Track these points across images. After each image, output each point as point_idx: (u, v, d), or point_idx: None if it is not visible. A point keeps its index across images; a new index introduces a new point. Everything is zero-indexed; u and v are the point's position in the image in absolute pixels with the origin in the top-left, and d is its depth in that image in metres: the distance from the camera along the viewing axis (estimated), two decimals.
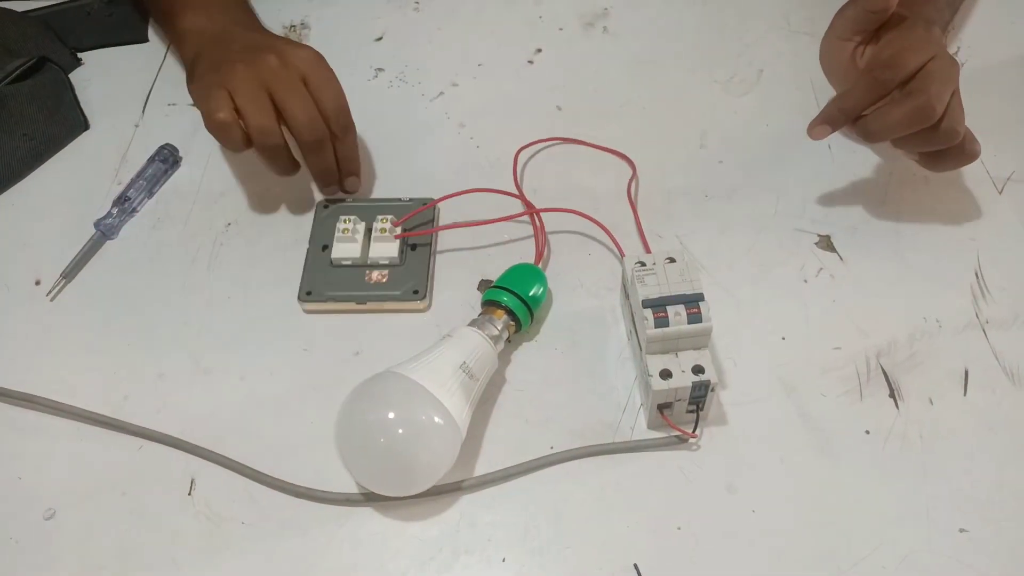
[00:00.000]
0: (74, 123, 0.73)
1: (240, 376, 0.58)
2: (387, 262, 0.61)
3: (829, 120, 0.60)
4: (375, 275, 0.61)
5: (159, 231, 0.66)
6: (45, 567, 0.51)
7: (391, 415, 0.49)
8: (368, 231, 0.62)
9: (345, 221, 0.62)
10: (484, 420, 0.55)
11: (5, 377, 0.58)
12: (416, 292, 0.60)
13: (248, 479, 0.53)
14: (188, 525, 0.52)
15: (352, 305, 0.60)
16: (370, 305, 0.60)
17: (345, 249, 0.61)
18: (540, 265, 0.61)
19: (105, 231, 0.65)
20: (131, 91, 0.76)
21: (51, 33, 0.78)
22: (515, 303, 0.56)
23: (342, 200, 0.65)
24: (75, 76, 0.77)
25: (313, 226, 0.64)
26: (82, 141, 0.73)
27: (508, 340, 0.57)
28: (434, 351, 0.52)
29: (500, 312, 0.56)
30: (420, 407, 0.49)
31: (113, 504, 0.53)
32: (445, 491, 0.52)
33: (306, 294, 0.60)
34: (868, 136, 0.59)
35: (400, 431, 0.48)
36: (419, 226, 0.63)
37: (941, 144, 0.58)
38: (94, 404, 0.56)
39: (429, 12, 0.81)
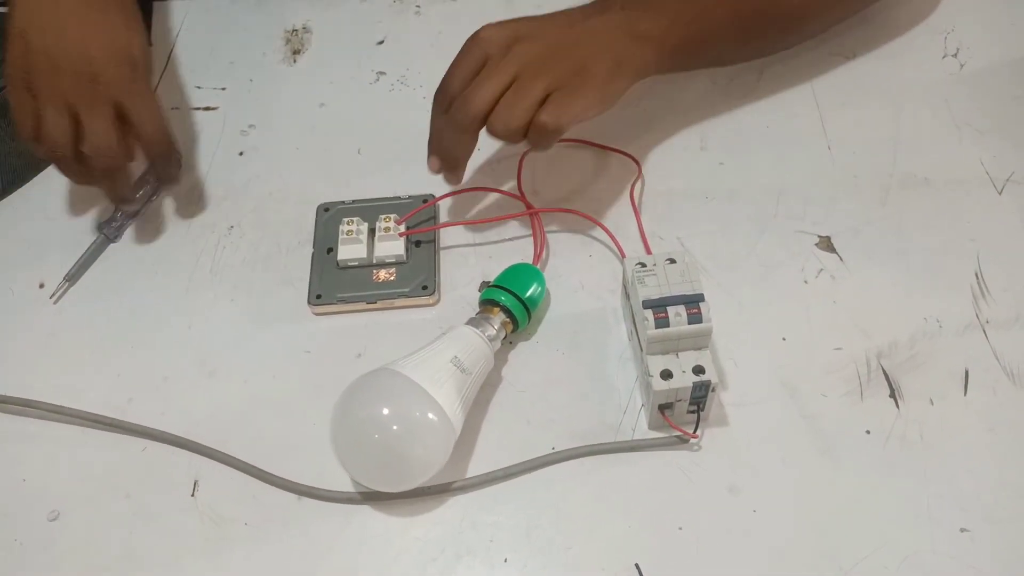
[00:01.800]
0: None
1: (243, 379, 0.58)
2: (393, 260, 0.62)
3: (434, 162, 0.59)
4: (382, 274, 0.61)
5: (162, 234, 0.66)
6: (49, 568, 0.51)
7: (384, 411, 0.49)
8: (371, 231, 0.63)
9: (348, 223, 0.62)
10: (485, 421, 0.55)
11: (9, 380, 0.59)
12: (425, 287, 0.60)
13: (251, 476, 0.53)
14: (192, 526, 0.52)
15: (363, 305, 0.60)
16: (381, 303, 0.60)
17: (351, 251, 0.61)
18: (539, 265, 0.61)
19: (109, 235, 0.65)
20: None
21: None
22: (512, 302, 0.56)
23: (342, 202, 0.66)
24: None
25: (315, 230, 0.64)
26: None
27: (507, 340, 0.57)
28: (428, 348, 0.52)
29: (496, 310, 0.56)
30: (412, 402, 0.49)
31: (117, 506, 0.53)
32: (447, 491, 0.52)
33: (316, 297, 0.60)
34: (438, 157, 0.59)
35: (393, 427, 0.49)
36: (422, 223, 0.63)
37: (500, 139, 0.56)
38: (98, 407, 0.57)
39: (430, 16, 0.81)
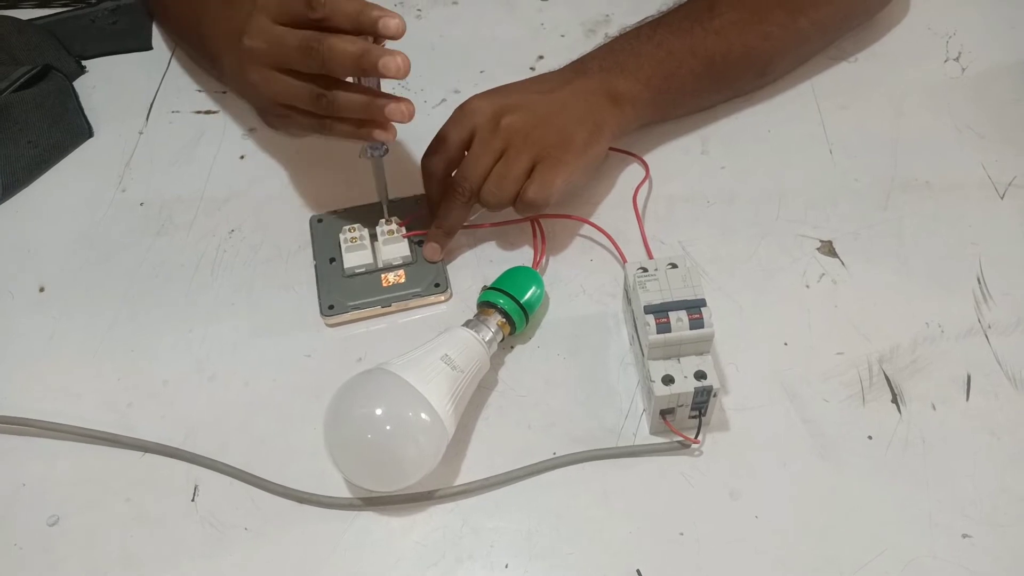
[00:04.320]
0: (78, 130, 0.73)
1: (244, 382, 0.58)
2: (400, 262, 0.62)
3: (434, 250, 0.61)
4: (391, 277, 0.61)
5: (163, 237, 0.66)
6: (49, 573, 0.51)
7: (373, 410, 0.49)
8: (372, 236, 0.62)
9: (350, 230, 0.62)
10: (486, 425, 0.55)
11: (9, 383, 0.59)
12: (438, 285, 0.60)
13: (250, 486, 0.53)
14: (191, 531, 0.52)
15: (377, 309, 0.60)
16: (394, 307, 0.60)
17: (357, 257, 0.61)
18: (540, 270, 0.61)
19: (378, 153, 0.60)
20: (135, 98, 0.76)
21: (55, 41, 0.79)
22: (509, 304, 0.56)
23: (333, 212, 0.65)
24: (79, 84, 0.77)
25: (313, 242, 0.64)
26: (86, 148, 0.73)
27: (505, 343, 0.57)
28: (420, 348, 0.53)
29: (492, 312, 0.56)
30: (401, 400, 0.49)
31: (116, 510, 0.53)
32: (448, 496, 0.52)
33: (328, 308, 0.60)
34: (441, 230, 0.61)
35: (384, 427, 0.49)
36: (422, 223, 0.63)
37: (491, 210, 0.60)
38: (98, 411, 0.57)
39: (431, 19, 0.81)
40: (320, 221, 0.65)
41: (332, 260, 0.62)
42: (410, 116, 0.54)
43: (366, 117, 0.54)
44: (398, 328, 0.60)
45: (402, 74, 0.50)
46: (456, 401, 0.51)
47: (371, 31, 0.50)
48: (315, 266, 0.63)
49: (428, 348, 0.53)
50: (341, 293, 0.61)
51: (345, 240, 0.62)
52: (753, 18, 0.66)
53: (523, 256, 0.63)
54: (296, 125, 0.57)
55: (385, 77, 0.51)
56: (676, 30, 0.65)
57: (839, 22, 0.71)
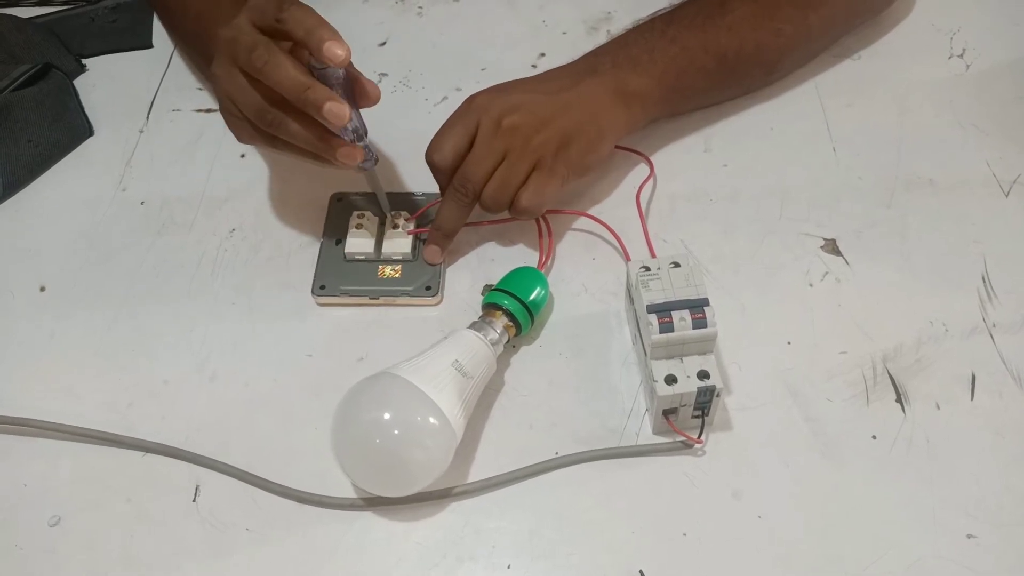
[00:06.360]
0: (79, 129, 0.73)
1: (244, 382, 0.58)
2: (400, 257, 0.61)
3: (434, 252, 0.61)
4: (388, 270, 0.61)
5: (164, 237, 0.66)
6: (50, 574, 0.51)
7: (385, 416, 0.49)
8: (381, 225, 0.62)
9: (359, 216, 0.62)
10: (488, 425, 0.55)
11: (9, 384, 0.59)
12: (429, 288, 0.60)
13: (252, 486, 0.53)
14: (193, 531, 0.52)
15: (365, 300, 0.60)
16: (382, 300, 0.60)
17: (359, 244, 0.61)
18: (544, 271, 0.61)
19: (369, 164, 0.60)
20: (135, 97, 0.76)
21: (56, 40, 0.79)
22: (515, 306, 0.56)
23: (356, 194, 0.65)
24: (80, 82, 0.77)
25: (327, 219, 0.64)
26: (87, 147, 0.73)
27: (509, 343, 0.57)
28: (429, 351, 0.52)
29: (499, 314, 0.56)
30: (413, 407, 0.49)
31: (118, 511, 0.53)
32: (449, 496, 0.52)
33: (320, 287, 0.60)
34: (441, 232, 0.61)
35: (394, 432, 0.49)
36: (430, 223, 0.63)
37: (490, 213, 0.60)
38: (99, 411, 0.56)
39: (432, 17, 0.81)
40: (339, 200, 0.65)
41: (338, 242, 0.62)
42: (360, 159, 0.54)
43: (313, 152, 0.54)
44: (400, 327, 0.60)
45: (339, 124, 0.50)
46: (465, 407, 0.51)
47: (315, 51, 0.49)
48: (321, 243, 0.63)
49: (437, 353, 0.52)
50: (336, 276, 0.61)
51: (353, 224, 0.62)
52: (764, 14, 0.65)
53: (524, 255, 0.63)
54: (247, 134, 0.56)
55: (323, 122, 0.50)
56: (689, 25, 0.64)
57: (845, 19, 0.71)
